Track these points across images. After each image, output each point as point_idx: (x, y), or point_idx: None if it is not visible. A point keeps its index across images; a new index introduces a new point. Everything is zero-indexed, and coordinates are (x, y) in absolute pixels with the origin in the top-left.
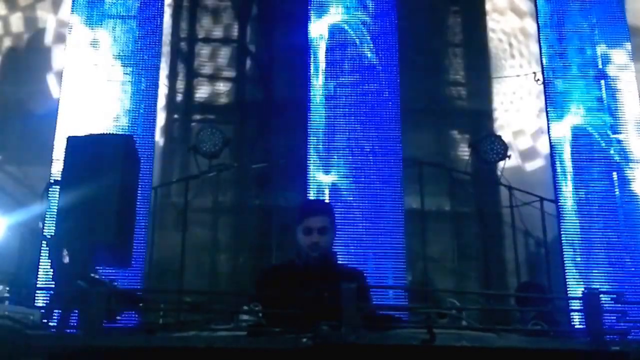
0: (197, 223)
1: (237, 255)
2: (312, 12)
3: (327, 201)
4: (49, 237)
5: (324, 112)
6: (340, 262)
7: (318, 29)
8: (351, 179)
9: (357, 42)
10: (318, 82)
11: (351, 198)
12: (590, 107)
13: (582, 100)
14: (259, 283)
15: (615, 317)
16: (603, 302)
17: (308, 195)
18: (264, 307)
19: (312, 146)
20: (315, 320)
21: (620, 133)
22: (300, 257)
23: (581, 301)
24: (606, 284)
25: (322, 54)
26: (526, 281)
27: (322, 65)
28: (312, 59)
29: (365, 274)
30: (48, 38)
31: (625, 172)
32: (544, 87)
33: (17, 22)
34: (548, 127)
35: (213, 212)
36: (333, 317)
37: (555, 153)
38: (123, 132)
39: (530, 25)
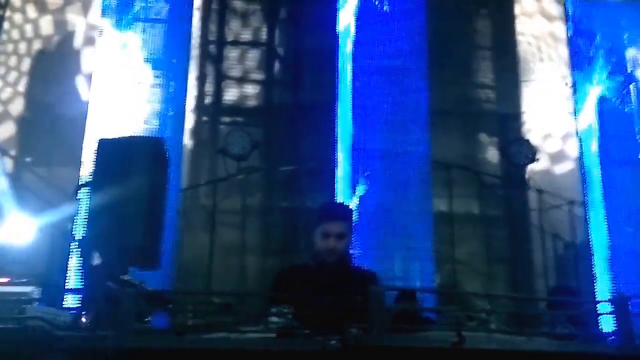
0: (226, 225)
1: (264, 257)
2: (339, 13)
3: (346, 204)
4: (79, 238)
5: (352, 114)
6: (355, 264)
7: (346, 30)
8: (379, 181)
9: (385, 45)
10: (346, 85)
11: (379, 201)
12: (620, 110)
13: (611, 103)
14: (274, 284)
15: None
16: (632, 305)
17: (336, 197)
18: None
19: (340, 149)
20: (340, 322)
21: None
22: (315, 259)
23: (611, 305)
24: (636, 287)
25: (350, 57)
26: (558, 285)
27: (350, 67)
28: (339, 61)
29: (378, 276)
30: (78, 41)
31: None
32: (573, 90)
33: (47, 24)
34: (577, 130)
35: (241, 214)
36: (356, 319)
37: (584, 156)
38: (152, 135)
39: (560, 29)
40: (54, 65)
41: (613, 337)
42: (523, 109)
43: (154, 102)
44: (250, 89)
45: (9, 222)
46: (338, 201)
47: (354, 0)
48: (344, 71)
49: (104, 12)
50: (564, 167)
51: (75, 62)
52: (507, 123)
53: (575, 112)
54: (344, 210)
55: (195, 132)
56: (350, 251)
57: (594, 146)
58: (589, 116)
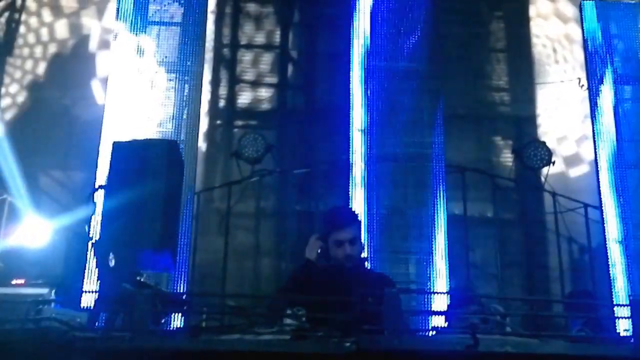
0: (240, 228)
1: (278, 260)
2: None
3: (349, 208)
4: (95, 241)
5: (366, 117)
6: (368, 268)
7: (359, 33)
8: (393, 185)
9: (399, 48)
10: (359, 87)
11: (393, 203)
12: (635, 112)
13: (627, 106)
14: (291, 281)
15: None
16: None
17: (350, 200)
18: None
19: (353, 151)
20: (356, 324)
21: None
22: (329, 263)
23: (628, 308)
24: None
25: (364, 60)
26: (576, 290)
27: (364, 70)
28: (353, 64)
29: (391, 279)
30: (93, 44)
31: None
32: (589, 93)
33: (62, 28)
34: (593, 133)
35: (255, 217)
36: (370, 321)
37: (599, 159)
38: (167, 138)
39: (575, 31)
40: (69, 68)
41: (630, 340)
42: (538, 112)
43: (168, 105)
44: (264, 92)
45: (26, 225)
46: (342, 207)
47: (368, 4)
48: (357, 74)
49: (118, 16)
50: (579, 170)
51: (90, 66)
52: (521, 126)
53: (591, 115)
54: (350, 214)
55: (209, 136)
56: (364, 254)
57: (609, 149)
58: (604, 119)
